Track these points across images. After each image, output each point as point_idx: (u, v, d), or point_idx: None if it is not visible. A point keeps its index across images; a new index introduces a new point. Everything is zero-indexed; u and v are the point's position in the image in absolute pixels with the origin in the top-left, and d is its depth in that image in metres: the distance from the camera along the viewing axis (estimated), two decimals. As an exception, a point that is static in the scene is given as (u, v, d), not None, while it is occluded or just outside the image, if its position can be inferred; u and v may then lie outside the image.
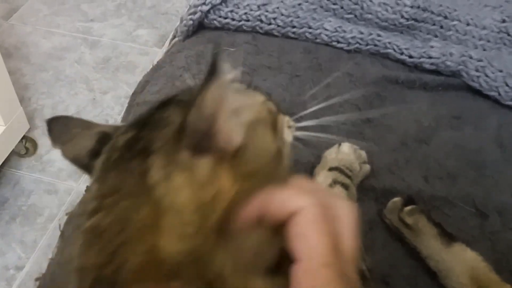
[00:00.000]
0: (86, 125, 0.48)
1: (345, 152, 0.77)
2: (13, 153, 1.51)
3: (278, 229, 0.37)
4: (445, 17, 0.96)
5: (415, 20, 0.96)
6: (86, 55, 1.92)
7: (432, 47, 0.93)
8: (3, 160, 1.43)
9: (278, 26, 0.98)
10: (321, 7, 0.98)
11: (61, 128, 0.49)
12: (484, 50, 0.95)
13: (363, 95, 0.88)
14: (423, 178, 0.79)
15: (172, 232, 0.35)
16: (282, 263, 0.38)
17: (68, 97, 1.77)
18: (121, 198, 0.38)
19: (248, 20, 0.98)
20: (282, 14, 0.97)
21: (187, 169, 0.36)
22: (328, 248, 0.35)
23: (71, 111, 1.72)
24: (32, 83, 1.81)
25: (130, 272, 0.35)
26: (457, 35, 0.96)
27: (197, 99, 0.35)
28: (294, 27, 0.97)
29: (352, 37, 0.95)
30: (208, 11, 0.99)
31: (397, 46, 0.93)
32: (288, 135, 0.48)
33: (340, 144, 0.78)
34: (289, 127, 0.49)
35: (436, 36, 0.97)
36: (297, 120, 0.52)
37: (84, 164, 0.46)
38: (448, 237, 0.67)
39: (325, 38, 0.96)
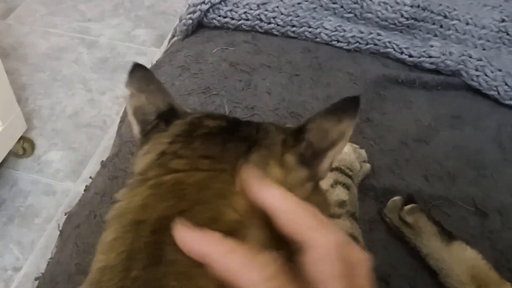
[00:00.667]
0: (162, 89, 0.50)
1: (345, 152, 0.76)
2: (11, 153, 1.51)
3: None
4: (445, 17, 0.96)
5: (415, 19, 0.96)
6: (83, 55, 1.92)
7: (431, 46, 0.93)
8: (0, 160, 1.43)
9: (278, 25, 0.97)
10: (321, 6, 0.98)
11: (140, 76, 0.50)
12: (484, 49, 0.95)
13: (363, 94, 0.88)
14: (423, 178, 0.79)
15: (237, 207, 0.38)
16: None
17: (66, 97, 1.76)
18: (213, 164, 0.41)
19: (247, 19, 0.98)
20: (282, 13, 0.97)
21: (287, 169, 0.41)
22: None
23: (68, 112, 1.71)
24: (29, 83, 1.80)
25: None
26: (456, 34, 0.96)
27: (331, 119, 0.43)
28: (293, 26, 0.97)
29: (352, 36, 0.95)
30: (208, 10, 0.99)
31: (397, 45, 0.93)
32: None
33: (340, 144, 0.78)
34: None
35: (435, 36, 0.97)
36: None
37: (145, 119, 0.47)
38: (448, 236, 0.67)
39: (325, 37, 0.96)
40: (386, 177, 0.78)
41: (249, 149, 0.42)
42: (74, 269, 0.69)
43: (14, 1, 2.13)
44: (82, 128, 1.66)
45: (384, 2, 0.95)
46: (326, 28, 0.96)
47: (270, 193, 0.38)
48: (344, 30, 0.95)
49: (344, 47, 0.96)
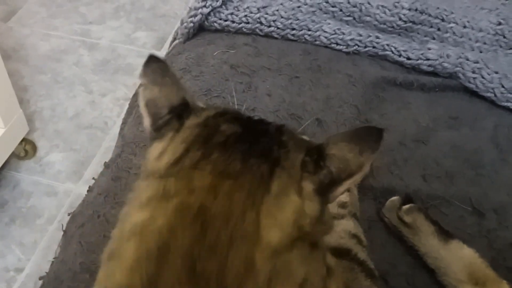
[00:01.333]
0: (176, 82, 0.49)
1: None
2: (13, 155, 1.52)
3: None
4: (442, 20, 0.98)
5: (413, 22, 0.98)
6: (84, 57, 1.93)
7: (429, 49, 0.94)
8: (2, 162, 1.44)
9: (278, 28, 0.99)
10: (320, 9, 0.99)
11: (156, 68, 0.49)
12: (481, 52, 0.97)
13: (361, 96, 0.89)
14: (421, 177, 0.80)
15: (268, 247, 0.39)
16: None
17: (67, 99, 1.77)
18: (238, 188, 0.41)
19: (248, 23, 0.99)
20: (282, 17, 0.98)
21: (304, 198, 0.42)
22: None
23: (70, 113, 1.72)
24: (30, 85, 1.81)
25: (228, 277, 0.38)
26: (454, 37, 0.98)
27: (353, 150, 0.43)
28: (293, 29, 0.98)
29: (351, 39, 0.96)
30: (209, 14, 1.00)
31: (395, 48, 0.95)
32: None
33: (339, 145, 0.79)
34: None
35: (433, 38, 0.99)
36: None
37: (157, 112, 0.47)
38: (446, 235, 0.68)
39: (324, 40, 0.97)
40: (384, 177, 0.79)
41: (271, 172, 0.42)
42: (79, 268, 0.70)
43: (15, 3, 2.14)
44: (83, 130, 1.67)
45: (382, 6, 0.97)
46: (325, 31, 0.97)
47: None
48: (343, 33, 0.96)
49: (343, 50, 0.98)
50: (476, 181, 0.80)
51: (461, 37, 0.97)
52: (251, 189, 0.41)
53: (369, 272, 0.63)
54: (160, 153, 0.45)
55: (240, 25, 1.00)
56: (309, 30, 0.98)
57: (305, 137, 0.51)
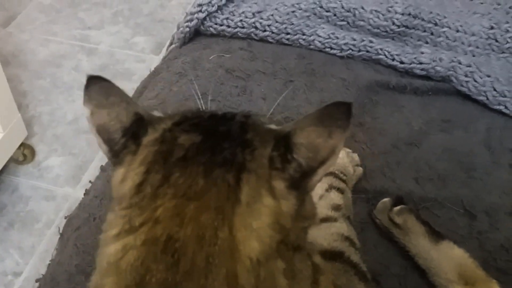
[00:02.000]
0: (124, 98, 0.46)
1: (339, 157, 0.78)
2: (11, 160, 1.52)
3: None
4: (435, 24, 0.99)
5: (406, 27, 0.99)
6: (83, 62, 1.94)
7: (422, 53, 0.95)
8: (1, 167, 1.44)
9: (273, 33, 1.00)
10: (315, 14, 1.00)
11: (99, 90, 0.47)
12: (473, 56, 0.98)
13: (355, 99, 0.90)
14: (414, 180, 0.81)
15: (249, 259, 0.38)
16: None
17: (66, 104, 1.78)
18: (205, 209, 0.38)
19: (243, 27, 1.00)
20: (277, 21, 0.99)
21: (278, 198, 0.40)
22: None
23: (68, 118, 1.73)
24: (29, 90, 1.82)
25: None
26: (447, 41, 0.99)
27: (322, 134, 0.41)
28: (288, 33, 1.00)
29: (345, 44, 0.97)
30: (204, 19, 1.01)
31: (389, 52, 0.96)
32: None
33: (333, 148, 0.80)
34: None
35: (426, 43, 1.00)
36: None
37: (111, 138, 0.44)
38: (436, 235, 0.69)
39: (319, 44, 0.98)
40: (377, 179, 0.80)
41: (238, 180, 0.39)
42: (74, 269, 0.71)
43: (14, 9, 2.16)
44: (81, 134, 1.68)
45: (376, 10, 0.98)
46: (319, 36, 0.98)
47: None
48: (337, 38, 0.97)
49: (337, 54, 0.99)
50: (468, 183, 0.81)
51: (454, 41, 0.98)
52: (218, 205, 0.38)
53: (362, 275, 0.64)
54: (121, 180, 0.43)
55: (236, 30, 1.01)
56: (303, 34, 0.99)
57: (272, 126, 0.47)
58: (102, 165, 0.88)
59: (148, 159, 0.42)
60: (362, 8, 0.99)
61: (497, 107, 0.91)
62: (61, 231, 0.81)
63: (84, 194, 0.85)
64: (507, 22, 1.00)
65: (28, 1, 2.20)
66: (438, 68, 0.93)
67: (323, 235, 0.68)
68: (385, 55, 0.96)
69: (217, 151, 0.41)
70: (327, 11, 1.00)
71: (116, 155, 0.44)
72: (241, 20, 1.00)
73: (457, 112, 0.92)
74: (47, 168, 1.58)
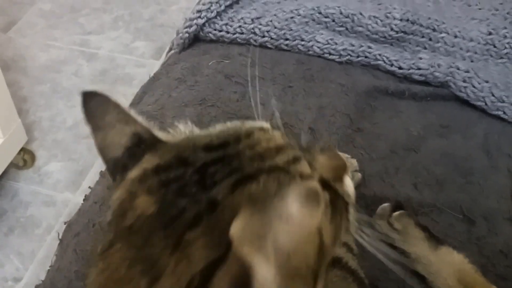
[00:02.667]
0: (121, 117, 0.43)
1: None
2: (11, 165, 1.53)
3: None
4: (434, 30, 0.99)
5: (404, 32, 0.99)
6: (83, 67, 1.95)
7: (420, 58, 0.96)
8: (1, 172, 1.45)
9: (272, 38, 1.00)
10: (313, 20, 1.01)
11: (94, 108, 0.44)
12: (472, 61, 0.98)
13: (354, 105, 0.90)
14: (412, 185, 0.81)
15: None
16: None
17: (66, 109, 1.79)
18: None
19: (242, 33, 1.01)
20: (275, 27, 1.00)
21: None
22: None
23: (68, 123, 1.74)
24: (30, 95, 1.83)
25: None
26: (445, 47, 0.99)
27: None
28: (287, 39, 1.00)
29: (344, 49, 0.98)
30: (204, 24, 1.02)
31: (387, 57, 0.96)
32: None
33: (331, 153, 0.80)
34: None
35: (425, 48, 1.00)
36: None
37: (113, 158, 0.42)
38: (435, 241, 0.69)
39: (317, 50, 0.99)
40: (376, 185, 0.80)
41: None
42: (74, 275, 0.71)
43: (15, 14, 2.17)
44: (82, 139, 1.68)
45: (374, 16, 0.98)
46: (318, 41, 0.99)
47: None
48: (336, 43, 0.98)
49: (336, 60, 0.99)
50: (467, 188, 0.81)
51: (452, 47, 0.99)
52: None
53: (360, 281, 0.64)
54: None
55: (235, 36, 1.01)
56: (302, 40, 0.99)
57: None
58: (101, 171, 0.88)
59: (115, 207, 0.39)
60: (361, 14, 0.99)
61: (495, 112, 0.91)
62: (60, 237, 0.81)
63: (84, 200, 0.85)
64: (505, 28, 1.00)
65: (29, 7, 2.20)
66: (436, 74, 0.94)
67: None
68: (383, 60, 0.96)
69: (154, 239, 0.34)
70: (325, 17, 1.00)
71: (113, 179, 0.42)
72: (240, 26, 1.01)
73: (455, 118, 0.92)
74: (47, 174, 1.59)
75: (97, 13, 2.18)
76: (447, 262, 0.68)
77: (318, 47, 0.98)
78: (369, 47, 0.97)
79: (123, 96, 1.82)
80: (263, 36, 1.00)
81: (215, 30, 1.02)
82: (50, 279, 0.74)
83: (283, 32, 1.00)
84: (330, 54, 0.99)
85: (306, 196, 0.32)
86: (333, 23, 1.00)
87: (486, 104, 0.91)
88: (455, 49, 0.99)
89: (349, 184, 0.47)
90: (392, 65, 0.96)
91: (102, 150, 0.43)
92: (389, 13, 0.99)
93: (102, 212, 0.78)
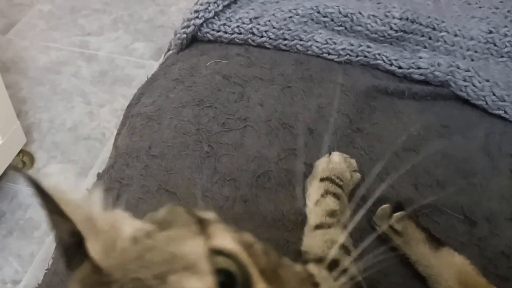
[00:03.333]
0: (61, 217, 0.39)
1: (335, 161, 0.78)
2: (10, 167, 1.52)
3: None
4: (433, 29, 0.98)
5: (404, 31, 0.98)
6: (83, 68, 1.94)
7: (420, 58, 0.95)
8: (0, 174, 1.44)
9: (270, 38, 1.00)
10: (312, 19, 1.00)
11: (42, 204, 0.40)
12: (472, 60, 0.97)
13: (353, 105, 0.90)
14: (413, 186, 0.80)
15: None
16: None
17: (65, 110, 1.78)
18: None
19: (240, 33, 1.00)
20: (274, 27, 0.99)
21: None
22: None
23: (68, 125, 1.73)
24: (29, 97, 1.82)
25: None
26: (445, 46, 0.98)
27: None
28: (285, 39, 0.99)
29: (343, 49, 0.97)
30: (201, 25, 1.01)
31: (387, 57, 0.95)
32: None
33: (330, 153, 0.80)
34: None
35: (425, 47, 0.99)
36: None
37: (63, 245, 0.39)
38: (436, 242, 0.68)
39: (316, 50, 0.98)
40: (376, 186, 0.79)
41: None
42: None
43: (14, 16, 2.16)
44: (81, 141, 1.68)
45: (373, 15, 0.97)
46: (317, 41, 0.98)
47: None
48: (335, 43, 0.97)
49: (335, 59, 0.98)
50: (468, 189, 0.80)
51: (452, 46, 0.98)
52: None
53: (358, 285, 0.63)
54: None
55: (233, 36, 1.00)
56: (301, 40, 0.98)
57: None
58: (99, 173, 0.87)
59: None
60: (360, 13, 0.98)
61: (496, 111, 0.91)
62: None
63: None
64: (506, 26, 0.99)
65: (28, 8, 2.20)
66: (436, 73, 0.93)
67: (316, 243, 0.68)
68: (383, 60, 0.95)
69: None
70: (324, 16, 1.00)
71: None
72: (238, 26, 1.00)
73: (455, 117, 0.91)
74: (46, 175, 1.58)
75: (96, 14, 2.18)
76: (448, 263, 0.67)
77: (317, 47, 0.98)
78: (368, 47, 0.96)
79: (123, 97, 1.82)
80: (262, 36, 1.00)
81: (213, 30, 1.01)
82: (47, 282, 0.73)
83: (281, 32, 0.99)
84: (329, 53, 0.98)
85: None
86: (332, 22, 1.00)
87: (487, 103, 0.90)
88: (455, 48, 0.98)
89: None
90: (391, 64, 0.95)
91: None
92: (389, 12, 0.98)
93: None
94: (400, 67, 0.95)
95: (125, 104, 1.83)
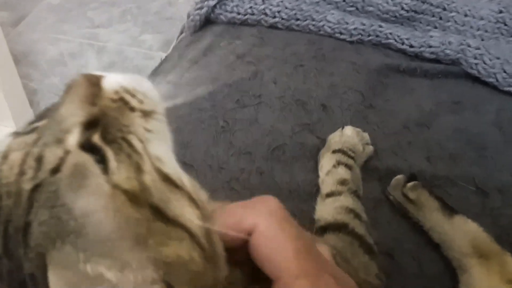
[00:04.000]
0: None
1: (348, 135, 0.79)
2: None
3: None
4: (444, 9, 0.99)
5: (415, 11, 0.99)
6: (92, 60, 1.96)
7: (431, 36, 0.96)
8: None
9: (282, 19, 1.01)
10: (324, 0, 1.01)
11: None
12: (482, 40, 0.98)
13: (365, 82, 0.91)
14: (425, 159, 0.81)
15: None
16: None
17: (76, 101, 1.80)
18: None
19: (253, 14, 1.01)
20: (286, 8, 1.00)
21: None
22: (293, 257, 0.33)
23: (78, 114, 1.75)
24: (40, 88, 1.84)
25: None
26: (455, 26, 0.99)
27: None
28: (298, 19, 1.00)
29: (354, 29, 0.98)
30: (215, 6, 1.03)
31: (398, 36, 0.96)
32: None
33: (343, 128, 0.81)
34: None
35: (435, 27, 1.00)
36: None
37: None
38: (450, 210, 0.70)
39: (328, 30, 0.99)
40: (389, 158, 0.81)
41: None
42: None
43: (24, 9, 2.19)
44: (91, 131, 1.69)
45: (384, -5, 0.99)
46: (329, 21, 0.99)
47: None
48: (347, 23, 0.98)
49: (347, 39, 0.99)
50: (480, 162, 0.81)
51: (462, 26, 0.99)
52: None
53: (367, 247, 0.64)
54: None
55: (246, 17, 1.02)
56: (313, 20, 1.00)
57: None
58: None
59: None
60: (371, -7, 1.00)
61: (507, 88, 0.91)
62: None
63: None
64: (516, 6, 1.00)
65: (38, 1, 2.22)
66: (447, 51, 0.94)
67: (327, 210, 0.69)
68: (394, 39, 0.97)
69: None
70: (336, -3, 1.01)
71: None
72: (251, 7, 1.01)
73: (467, 94, 0.92)
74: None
75: (105, 6, 2.20)
76: (462, 230, 0.68)
77: (329, 27, 0.99)
78: (380, 26, 0.97)
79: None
80: (274, 17, 1.01)
81: (226, 11, 1.03)
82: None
83: (294, 12, 1.00)
84: (341, 33, 0.99)
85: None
86: (344, 3, 1.01)
87: (497, 80, 0.91)
88: (466, 28, 0.99)
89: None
90: (403, 43, 0.96)
91: None
92: (399, -8, 0.99)
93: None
94: (411, 46, 0.96)
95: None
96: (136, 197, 0.31)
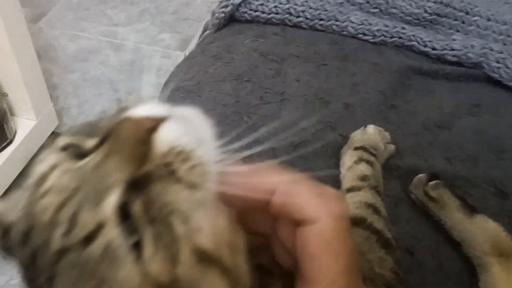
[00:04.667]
0: None
1: (370, 133, 0.81)
2: (43, 147, 1.56)
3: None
4: (467, 13, 1.00)
5: (438, 15, 1.00)
6: (110, 57, 1.98)
7: (454, 40, 0.97)
8: (34, 152, 1.48)
9: (306, 18, 1.02)
10: (348, 1, 1.03)
11: None
12: (505, 44, 0.99)
13: (387, 83, 0.92)
14: (445, 160, 0.82)
15: None
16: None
17: (94, 97, 1.83)
18: None
19: (277, 13, 1.03)
20: (310, 7, 1.02)
21: None
22: (343, 272, 0.32)
23: (96, 110, 1.77)
24: (59, 83, 1.87)
25: None
26: (478, 30, 1.00)
27: None
28: (321, 19, 1.02)
29: (378, 30, 0.99)
30: (239, 4, 1.04)
31: (421, 38, 0.98)
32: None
33: (365, 126, 0.82)
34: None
35: (458, 31, 1.01)
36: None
37: None
38: (470, 209, 0.70)
39: (352, 30, 1.00)
40: (410, 158, 0.82)
41: None
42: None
43: (45, 6, 2.22)
44: (109, 126, 1.71)
45: (408, -2, 1.00)
46: (352, 22, 1.00)
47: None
48: (370, 24, 0.99)
49: (370, 40, 1.01)
50: (499, 164, 0.82)
51: (485, 30, 1.00)
52: None
53: (385, 242, 0.65)
54: None
55: (270, 16, 1.03)
56: (336, 20, 1.01)
57: None
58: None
59: None
60: (394, -5, 1.01)
61: (528, 92, 0.92)
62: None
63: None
64: (538, 12, 1.01)
65: (58, -1, 2.25)
66: (469, 55, 0.95)
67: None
68: (417, 41, 0.98)
69: None
70: (359, -2, 1.02)
71: None
72: (275, 6, 1.03)
73: (487, 98, 0.93)
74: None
75: (124, 5, 2.22)
76: (482, 229, 0.69)
77: (352, 28, 1.00)
78: (403, 28, 0.99)
79: (149, 85, 1.85)
80: (298, 16, 1.02)
81: (250, 10, 1.04)
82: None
83: (318, 12, 1.01)
84: (364, 34, 1.00)
85: None
86: (367, 4, 1.02)
87: (519, 84, 0.92)
88: (488, 32, 1.00)
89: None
90: (426, 46, 0.97)
91: None
92: (423, -5, 1.00)
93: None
94: (434, 48, 0.97)
95: (151, 91, 1.88)
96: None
